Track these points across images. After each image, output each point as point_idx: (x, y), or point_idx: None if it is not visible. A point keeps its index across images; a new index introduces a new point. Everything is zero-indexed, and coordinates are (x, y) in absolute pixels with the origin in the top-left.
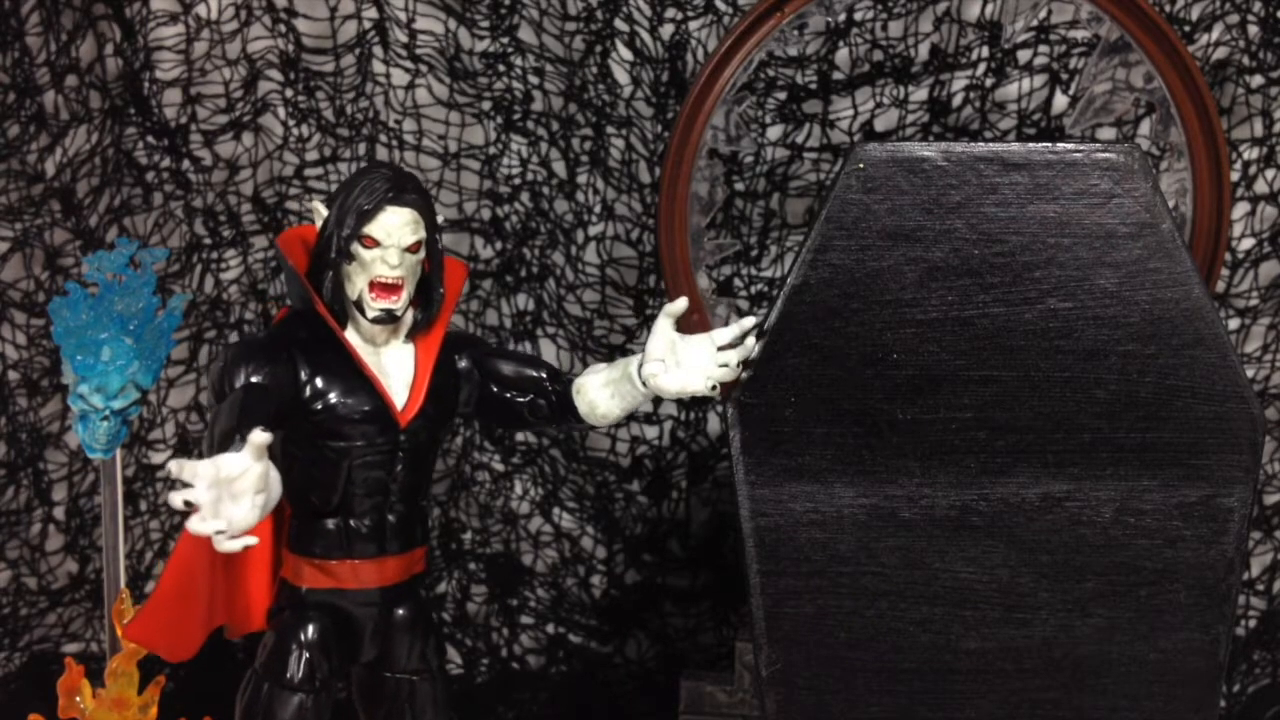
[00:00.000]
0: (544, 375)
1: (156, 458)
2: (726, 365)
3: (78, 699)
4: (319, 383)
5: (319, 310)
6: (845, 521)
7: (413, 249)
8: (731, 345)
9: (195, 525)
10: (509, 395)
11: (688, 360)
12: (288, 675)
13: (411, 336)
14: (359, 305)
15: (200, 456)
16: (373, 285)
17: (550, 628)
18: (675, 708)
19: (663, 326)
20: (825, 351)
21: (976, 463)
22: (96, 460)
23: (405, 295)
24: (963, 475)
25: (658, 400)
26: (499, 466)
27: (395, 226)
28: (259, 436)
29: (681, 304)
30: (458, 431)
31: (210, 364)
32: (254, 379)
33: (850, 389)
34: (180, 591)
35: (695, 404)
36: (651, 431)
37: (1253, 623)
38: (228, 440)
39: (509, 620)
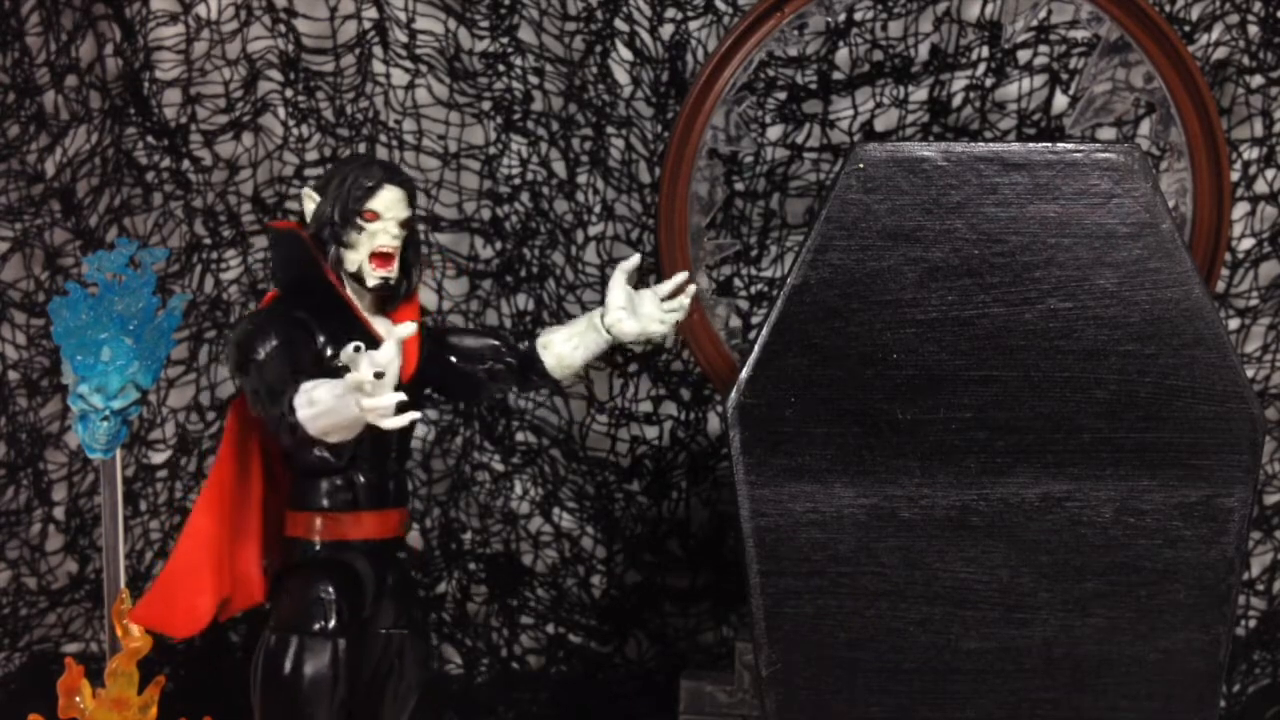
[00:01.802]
0: (499, 343)
1: (156, 458)
2: (675, 309)
3: (78, 699)
4: (336, 344)
5: (328, 279)
6: (845, 521)
7: (404, 224)
8: (673, 294)
9: (387, 400)
10: (469, 366)
11: (642, 310)
12: (317, 625)
13: (388, 311)
14: (357, 277)
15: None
16: (373, 256)
17: (550, 628)
18: (675, 708)
19: (619, 281)
20: (825, 351)
21: (976, 463)
22: (96, 460)
23: (397, 266)
24: (963, 475)
25: (658, 400)
26: (499, 466)
27: (393, 202)
28: (406, 329)
29: (635, 260)
30: (458, 431)
31: (226, 345)
32: (282, 339)
33: (850, 389)
34: (192, 561)
35: (695, 404)
36: (651, 431)
37: (1253, 623)
38: (280, 388)
39: (509, 620)
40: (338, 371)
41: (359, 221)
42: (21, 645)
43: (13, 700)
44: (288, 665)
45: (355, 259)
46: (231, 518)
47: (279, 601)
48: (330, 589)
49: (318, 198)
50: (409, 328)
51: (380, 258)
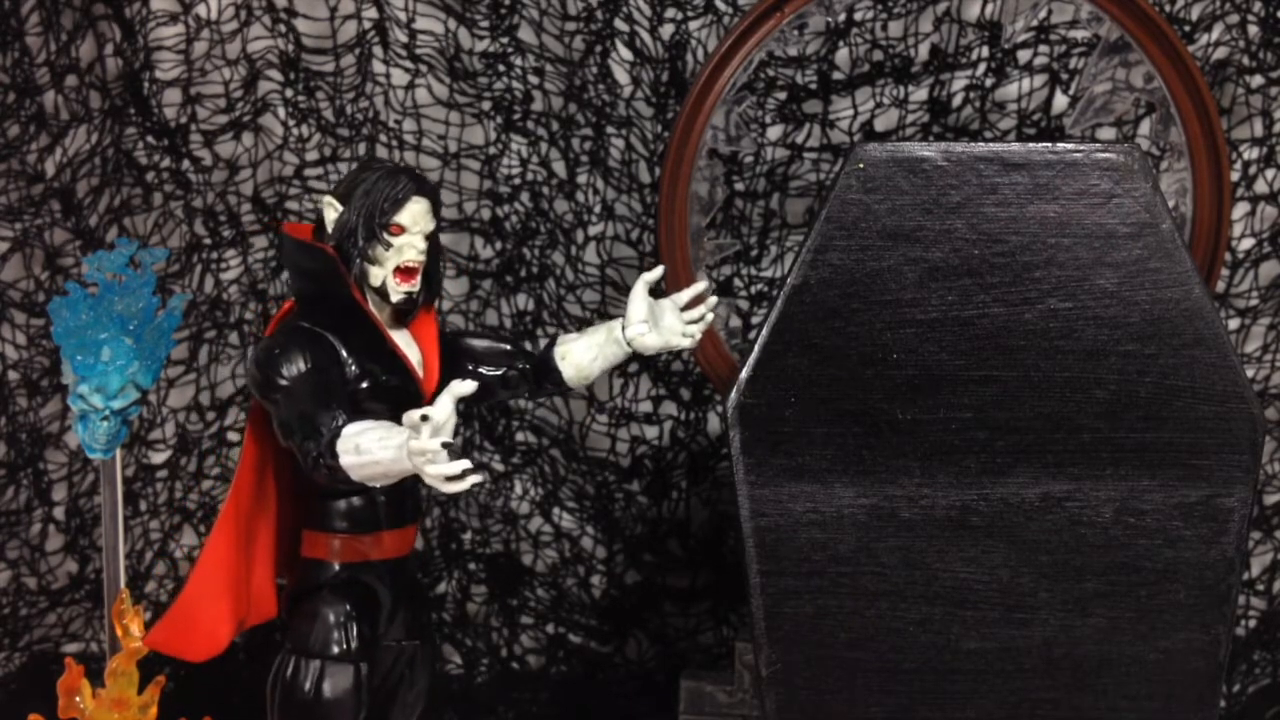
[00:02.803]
0: (513, 349)
1: (156, 458)
2: (695, 321)
3: (78, 699)
4: (359, 361)
5: (352, 294)
6: (845, 521)
7: (429, 237)
8: (692, 304)
9: (453, 467)
10: (483, 370)
11: (663, 322)
12: (338, 649)
13: (405, 323)
14: (381, 291)
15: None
16: (398, 271)
17: (550, 628)
18: (675, 708)
19: (640, 293)
20: (825, 351)
21: (976, 463)
22: (96, 460)
23: (420, 279)
24: (963, 475)
25: (658, 400)
26: (499, 466)
27: (420, 214)
28: (465, 387)
29: (658, 272)
30: (458, 431)
31: (251, 362)
32: (312, 364)
33: (850, 389)
34: (211, 588)
35: (695, 404)
36: (651, 431)
37: (1253, 623)
38: (314, 422)
39: (509, 620)
40: (364, 394)
41: (385, 236)
42: (21, 645)
43: (13, 700)
44: (309, 689)
45: (379, 274)
46: (247, 538)
47: (298, 624)
48: (350, 612)
49: (339, 206)
50: (468, 386)
51: (405, 272)
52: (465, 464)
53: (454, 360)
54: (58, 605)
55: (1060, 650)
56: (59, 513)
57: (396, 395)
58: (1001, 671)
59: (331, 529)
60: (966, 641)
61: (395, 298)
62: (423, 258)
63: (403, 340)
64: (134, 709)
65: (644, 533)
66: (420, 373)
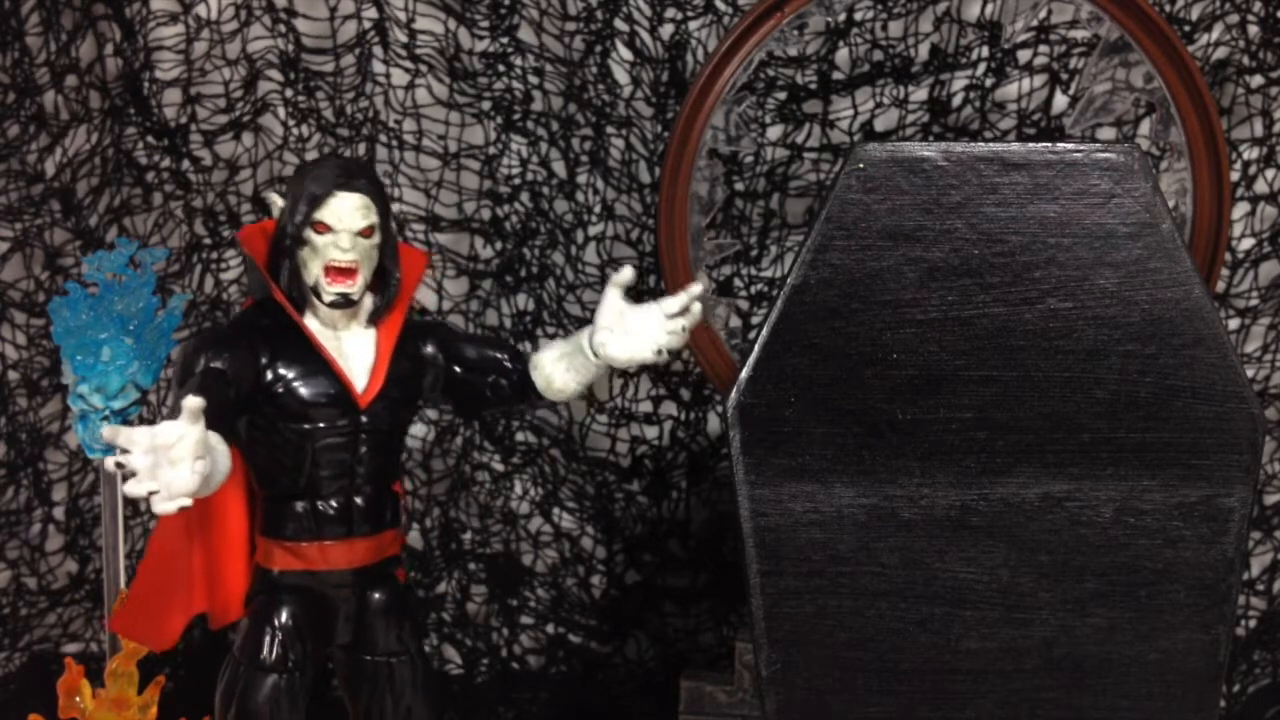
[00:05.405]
0: (505, 356)
1: None
2: (675, 332)
3: (78, 699)
4: (279, 367)
5: (273, 296)
6: (845, 521)
7: (365, 233)
8: (680, 313)
9: (130, 488)
10: (472, 377)
11: (637, 328)
12: (261, 657)
13: (373, 322)
14: (316, 290)
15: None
16: (327, 270)
17: (550, 628)
18: (675, 708)
19: (611, 296)
20: (825, 351)
21: (976, 463)
22: (96, 460)
23: (361, 280)
24: (963, 475)
25: (657, 400)
26: (499, 466)
27: (346, 211)
28: (192, 402)
29: (628, 273)
30: (458, 431)
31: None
32: (213, 364)
33: (850, 389)
34: (158, 579)
35: (695, 404)
36: (651, 431)
37: (1253, 623)
38: None
39: (509, 620)
40: (285, 403)
41: (306, 235)
42: (21, 645)
43: (13, 700)
44: (232, 691)
45: (311, 274)
46: (200, 535)
47: (240, 628)
48: (281, 621)
49: (281, 202)
50: (196, 403)
51: (335, 272)
52: (150, 486)
53: (445, 362)
54: (58, 605)
55: (1060, 650)
56: (59, 513)
57: (326, 403)
58: (1001, 671)
59: (273, 535)
60: (966, 641)
61: (327, 299)
62: (349, 256)
63: (360, 343)
64: (134, 709)
65: (644, 533)
66: (359, 381)
